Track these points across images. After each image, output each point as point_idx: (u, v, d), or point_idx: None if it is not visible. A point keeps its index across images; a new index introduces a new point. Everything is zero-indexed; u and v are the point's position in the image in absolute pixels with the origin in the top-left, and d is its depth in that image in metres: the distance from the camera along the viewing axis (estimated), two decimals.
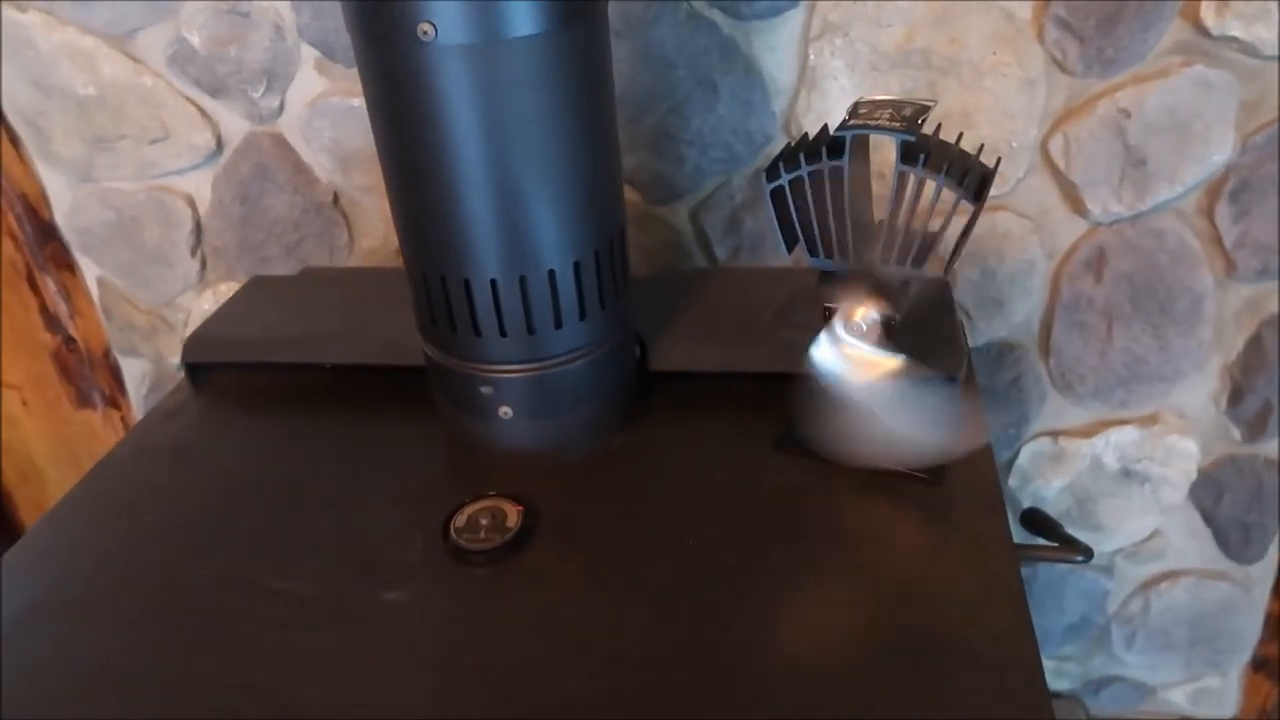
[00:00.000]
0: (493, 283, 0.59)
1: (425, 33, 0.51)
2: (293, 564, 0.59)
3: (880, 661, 0.51)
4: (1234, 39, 0.80)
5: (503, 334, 0.61)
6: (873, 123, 0.54)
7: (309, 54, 0.96)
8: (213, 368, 0.78)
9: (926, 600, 0.54)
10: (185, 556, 0.60)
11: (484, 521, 0.60)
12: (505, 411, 0.64)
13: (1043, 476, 1.10)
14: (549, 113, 0.55)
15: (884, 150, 0.68)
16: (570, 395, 0.65)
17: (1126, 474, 1.08)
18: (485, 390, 0.63)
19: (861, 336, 0.58)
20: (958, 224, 0.58)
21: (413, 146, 0.56)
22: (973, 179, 0.55)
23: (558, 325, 0.62)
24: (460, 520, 0.60)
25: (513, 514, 0.60)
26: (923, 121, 0.54)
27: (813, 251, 0.59)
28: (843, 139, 0.54)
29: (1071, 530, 0.73)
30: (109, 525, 0.64)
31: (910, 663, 0.50)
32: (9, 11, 0.97)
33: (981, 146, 0.59)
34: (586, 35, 0.56)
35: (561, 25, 0.53)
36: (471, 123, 0.54)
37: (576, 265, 0.61)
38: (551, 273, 0.60)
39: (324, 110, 0.98)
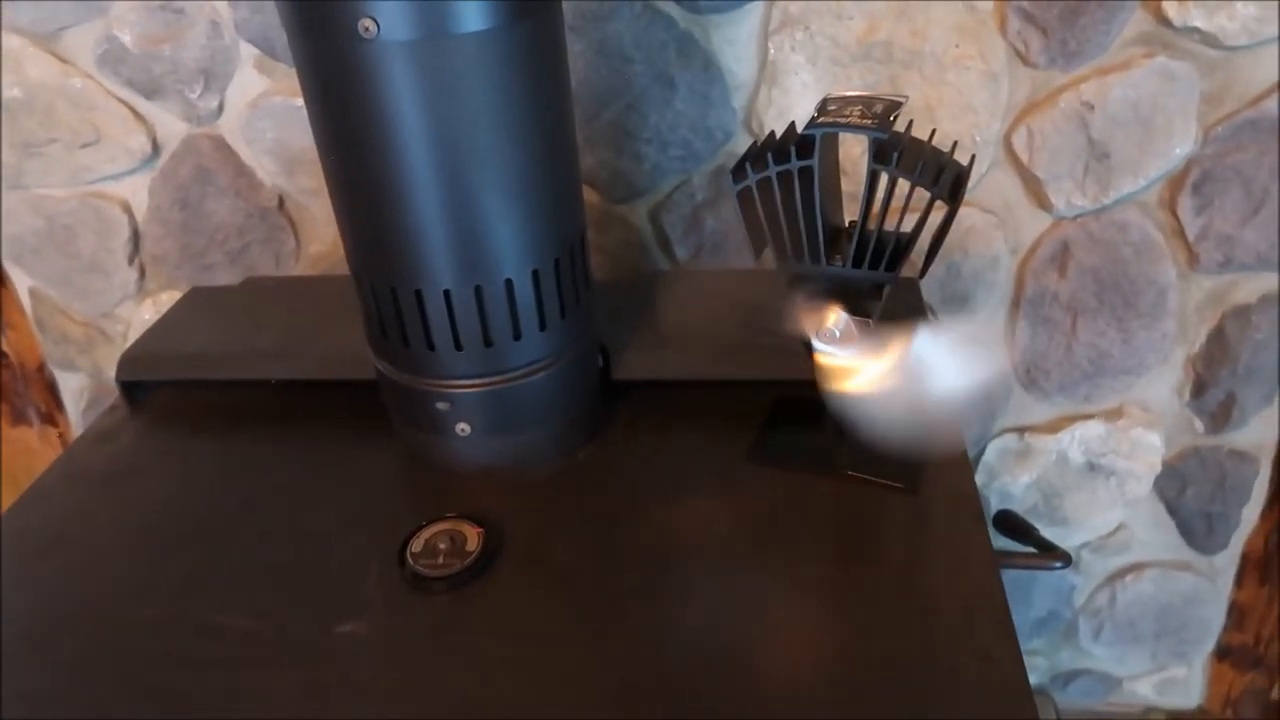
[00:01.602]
0: (446, 294, 0.56)
1: (367, 29, 0.47)
2: (239, 597, 0.55)
3: (864, 684, 0.48)
4: (1196, 30, 0.80)
5: (458, 347, 0.58)
6: (843, 120, 0.52)
7: (248, 52, 0.92)
8: (150, 386, 0.74)
9: (910, 618, 0.52)
10: (122, 592, 0.56)
11: (442, 546, 0.57)
12: (463, 428, 0.61)
13: (1009, 473, 1.09)
14: (502, 112, 0.52)
15: (849, 144, 0.66)
16: (531, 409, 0.62)
17: (1092, 468, 1.07)
18: (441, 406, 0.60)
19: (834, 343, 0.56)
20: (931, 225, 0.56)
21: (357, 151, 0.52)
22: (947, 177, 0.53)
23: (516, 337, 0.59)
24: (417, 545, 0.57)
25: (473, 536, 0.57)
26: (894, 118, 0.52)
27: (782, 255, 0.56)
28: (812, 138, 0.52)
29: (1038, 525, 0.72)
30: (39, 559, 0.60)
31: (895, 684, 0.48)
32: None
33: (955, 144, 0.57)
34: (539, 30, 0.53)
35: (513, 20, 0.50)
36: (419, 124, 0.50)
37: (535, 274, 0.57)
38: (509, 282, 0.57)
39: (266, 110, 0.94)
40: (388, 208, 0.54)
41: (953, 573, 0.54)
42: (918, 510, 0.59)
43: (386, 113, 0.50)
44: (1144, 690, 1.27)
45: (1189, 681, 1.26)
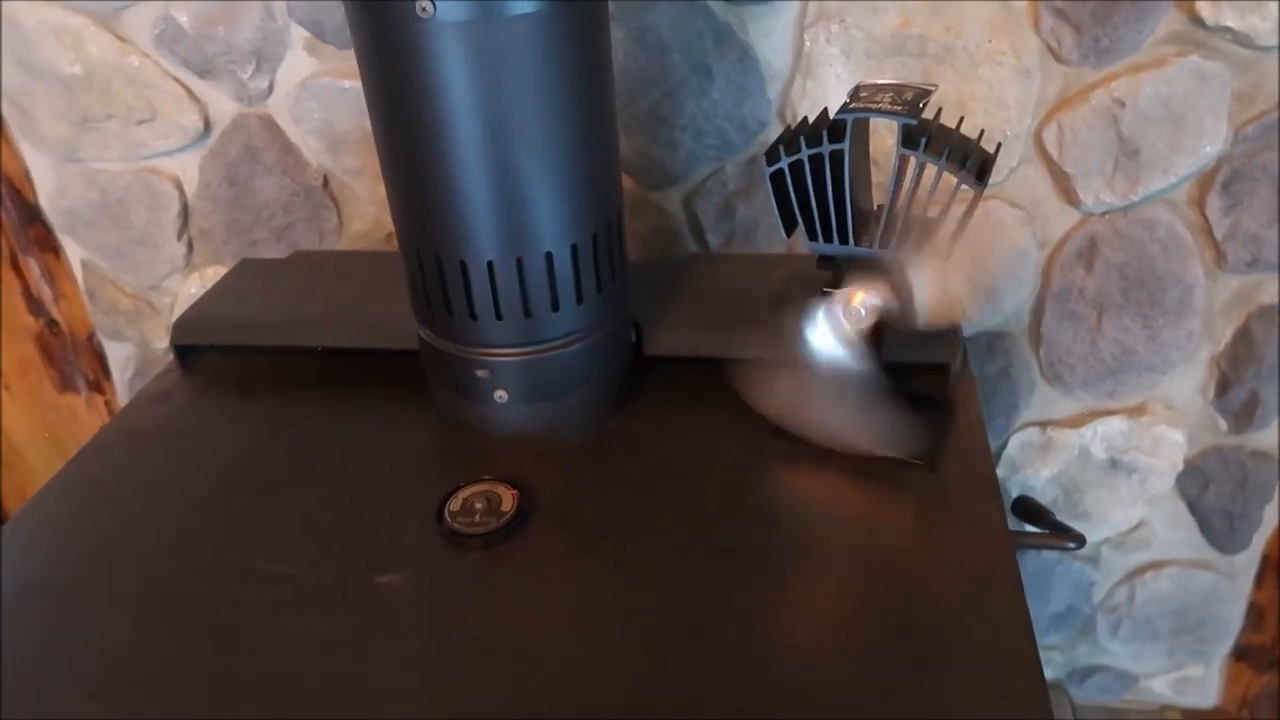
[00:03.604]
0: (489, 265, 0.59)
1: (424, 9, 0.50)
2: (286, 547, 0.58)
3: (878, 647, 0.51)
4: (1229, 29, 0.80)
5: (499, 317, 0.61)
6: (874, 106, 0.54)
7: (299, 34, 0.95)
8: (201, 350, 0.77)
9: (924, 586, 0.54)
10: (176, 540, 0.60)
11: (479, 505, 0.59)
12: (501, 395, 0.64)
13: (1031, 466, 1.10)
14: (548, 92, 0.55)
15: (880, 135, 0.68)
16: (566, 379, 0.65)
17: (1114, 464, 1.08)
18: (481, 374, 0.63)
19: (860, 321, 0.58)
20: (957, 210, 0.58)
21: (409, 126, 0.55)
22: (974, 163, 0.55)
23: (555, 308, 0.61)
24: (455, 504, 0.60)
25: (508, 498, 0.60)
26: (924, 106, 0.54)
27: (812, 236, 0.58)
28: (843, 122, 0.54)
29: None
30: (98, 509, 0.63)
31: (909, 649, 0.50)
32: None
33: (982, 132, 0.59)
34: (586, 14, 0.55)
35: (561, 2, 0.52)
36: (469, 102, 0.53)
37: (574, 248, 0.60)
38: (549, 255, 0.59)
39: (314, 92, 0.97)
40: (437, 182, 0.57)
41: (967, 545, 0.56)
42: (935, 485, 0.61)
43: (439, 91, 0.53)
44: (1160, 688, 1.28)
45: (1206, 681, 1.26)
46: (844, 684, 0.49)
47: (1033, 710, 0.46)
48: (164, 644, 0.53)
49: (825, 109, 0.60)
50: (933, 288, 0.56)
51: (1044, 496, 1.12)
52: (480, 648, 0.52)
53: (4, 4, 0.96)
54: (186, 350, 0.77)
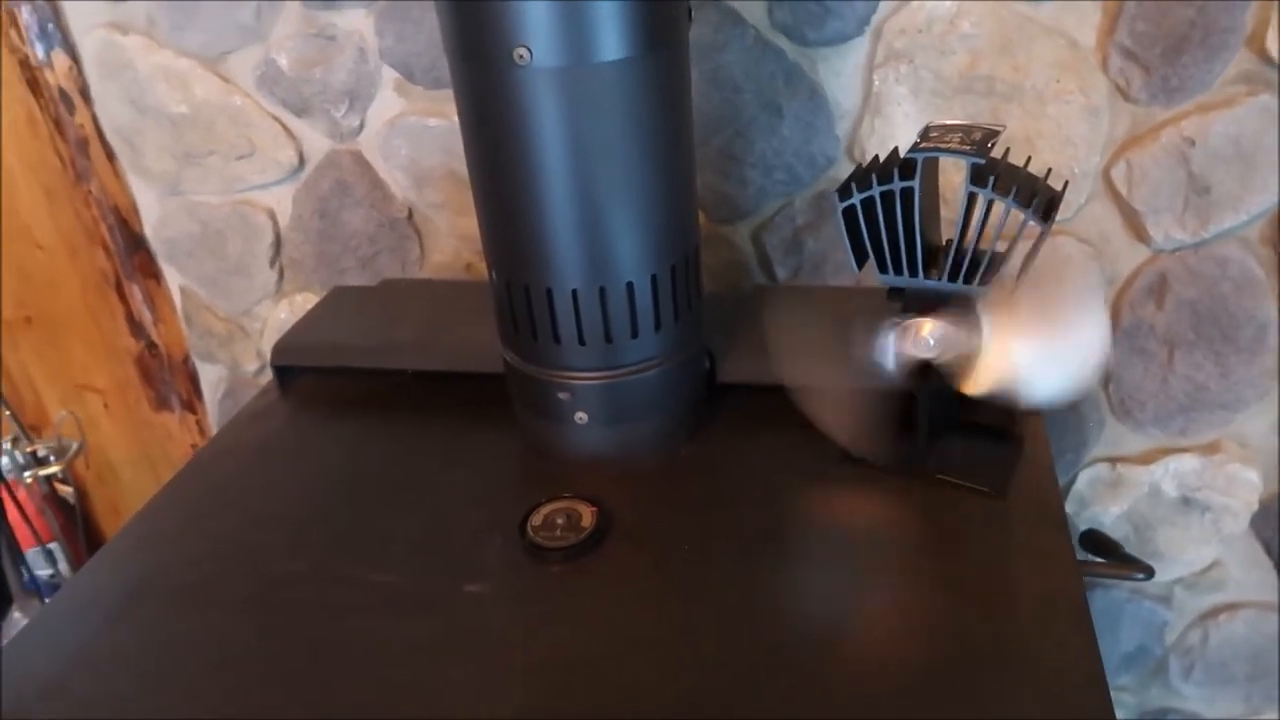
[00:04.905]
0: (574, 293, 0.62)
1: (521, 57, 0.54)
2: (381, 558, 0.62)
3: (943, 666, 0.52)
4: None
5: (581, 342, 0.64)
6: (943, 146, 0.56)
7: (389, 75, 1.00)
8: (299, 371, 0.82)
9: (990, 610, 0.55)
10: (281, 548, 0.64)
11: (560, 521, 0.63)
12: (581, 417, 0.67)
13: (1100, 503, 1.10)
14: (633, 133, 0.58)
15: (948, 173, 0.70)
16: (643, 403, 0.68)
17: (1186, 502, 1.07)
18: (563, 396, 0.66)
19: (928, 351, 0.60)
20: (1024, 246, 0.60)
21: (504, 163, 0.59)
22: (1040, 201, 0.57)
23: (634, 335, 0.65)
24: (537, 519, 0.63)
25: (587, 514, 0.63)
26: (992, 145, 0.56)
27: (882, 268, 0.61)
28: (914, 161, 0.57)
29: None
30: (206, 519, 0.68)
31: (973, 668, 0.52)
32: (112, 35, 1.03)
33: (1049, 170, 0.61)
34: (669, 60, 0.59)
35: (648, 50, 0.56)
36: (560, 142, 0.57)
37: (654, 278, 0.63)
38: (630, 285, 0.63)
39: (402, 129, 1.02)
40: (527, 215, 0.60)
41: (1034, 570, 0.57)
42: (1003, 514, 0.62)
43: (533, 132, 0.57)
44: None
45: None
46: (908, 704, 0.50)
47: None
48: (271, 644, 0.57)
49: (895, 148, 0.63)
50: (998, 327, 0.58)
51: (1114, 533, 1.11)
52: (561, 653, 0.55)
53: (121, 48, 1.03)
54: (284, 371, 0.82)
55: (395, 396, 0.79)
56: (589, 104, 0.56)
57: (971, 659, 0.52)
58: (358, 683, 0.53)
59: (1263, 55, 0.82)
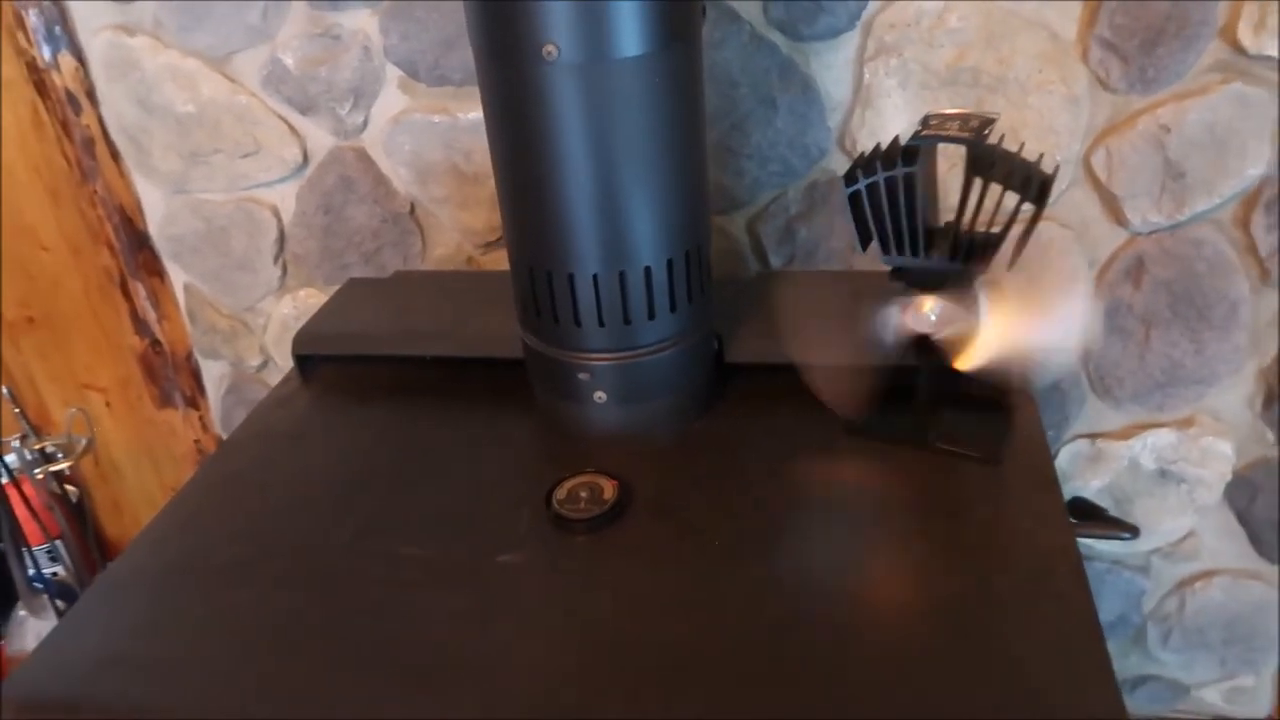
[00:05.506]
0: (594, 277, 0.66)
1: (549, 53, 0.57)
2: (415, 533, 0.65)
3: (951, 617, 0.56)
4: (1270, 58, 0.85)
5: (601, 324, 0.68)
6: (943, 133, 0.60)
7: (393, 73, 1.03)
8: (320, 360, 0.84)
9: (990, 567, 0.59)
10: (317, 527, 0.67)
11: (583, 494, 0.66)
12: (600, 396, 0.70)
13: (1081, 477, 1.14)
14: (653, 125, 0.62)
15: (943, 157, 0.74)
16: (658, 382, 0.71)
17: (1163, 474, 1.11)
18: (583, 376, 0.70)
19: (929, 327, 0.64)
20: (1019, 227, 0.64)
21: (530, 155, 0.62)
22: (1035, 183, 0.61)
23: (651, 316, 0.68)
24: (561, 494, 0.66)
25: (609, 488, 0.66)
26: (989, 132, 0.60)
27: (886, 250, 0.64)
28: (917, 148, 0.60)
29: None
30: (241, 499, 0.70)
31: (979, 618, 0.56)
32: (120, 36, 1.04)
33: (1041, 155, 0.64)
34: (684, 55, 0.62)
35: (665, 46, 0.60)
36: (584, 134, 0.60)
37: (669, 263, 0.67)
38: (648, 269, 0.66)
39: (405, 126, 1.05)
40: (551, 203, 0.64)
41: (1030, 530, 0.61)
42: (1000, 479, 0.66)
43: (559, 124, 0.60)
44: (1212, 698, 1.30)
45: (1258, 690, 1.28)
46: (922, 651, 0.54)
47: (1098, 678, 0.51)
48: (317, 612, 0.60)
49: (896, 136, 0.66)
50: (994, 304, 0.62)
51: None
52: (596, 616, 0.58)
53: (128, 49, 1.05)
54: (306, 360, 0.84)
55: (415, 383, 0.81)
56: (612, 97, 0.59)
57: (978, 610, 0.56)
58: (411, 645, 0.56)
59: (1235, 45, 0.86)
